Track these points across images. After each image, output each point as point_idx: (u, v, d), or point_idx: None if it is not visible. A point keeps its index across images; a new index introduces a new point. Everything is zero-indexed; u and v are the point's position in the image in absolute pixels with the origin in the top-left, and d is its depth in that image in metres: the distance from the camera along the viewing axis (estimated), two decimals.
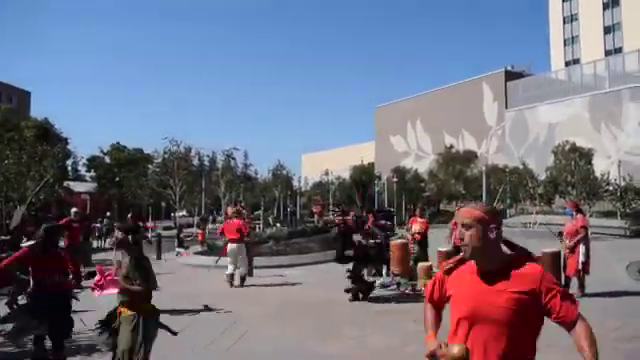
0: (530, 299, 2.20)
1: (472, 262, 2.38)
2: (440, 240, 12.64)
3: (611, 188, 17.29)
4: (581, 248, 9.58)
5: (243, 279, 11.87)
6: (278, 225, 30.42)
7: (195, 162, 32.78)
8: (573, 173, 28.79)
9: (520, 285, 2.22)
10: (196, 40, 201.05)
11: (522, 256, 2.38)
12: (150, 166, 39.53)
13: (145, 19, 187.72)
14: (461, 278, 2.42)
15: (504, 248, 2.42)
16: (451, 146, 54.16)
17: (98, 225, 26.65)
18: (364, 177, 51.10)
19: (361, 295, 9.85)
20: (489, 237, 2.32)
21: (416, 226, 12.96)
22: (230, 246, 11.98)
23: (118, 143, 54.90)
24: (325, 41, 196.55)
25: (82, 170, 56.80)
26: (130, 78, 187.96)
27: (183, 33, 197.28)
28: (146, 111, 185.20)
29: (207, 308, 9.30)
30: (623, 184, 17.26)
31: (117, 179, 41.52)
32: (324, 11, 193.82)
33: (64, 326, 5.64)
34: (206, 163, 34.17)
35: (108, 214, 27.77)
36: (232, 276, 11.82)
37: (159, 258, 18.05)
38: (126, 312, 4.39)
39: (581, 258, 9.54)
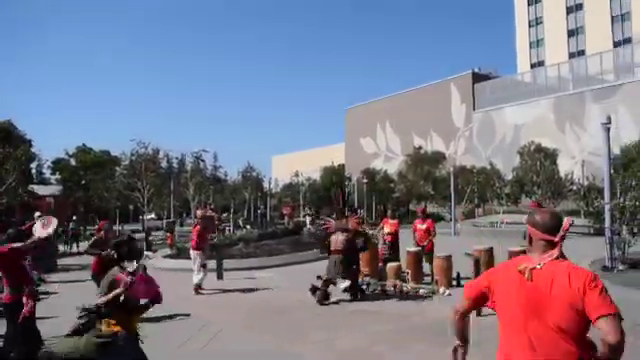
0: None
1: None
2: (409, 241, 12.72)
3: (575, 187, 17.71)
4: None
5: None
6: (248, 227, 30.27)
7: (163, 164, 32.38)
8: (538, 173, 29.39)
9: None
10: (162, 41, 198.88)
11: None
12: (117, 168, 38.90)
13: (108, 20, 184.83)
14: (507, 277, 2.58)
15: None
16: (420, 147, 54.70)
17: (63, 229, 26.10)
18: (343, 185, 51.32)
19: (322, 296, 9.85)
20: None
21: (387, 227, 13.04)
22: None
23: (84, 145, 53.91)
24: (295, 42, 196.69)
25: (47, 173, 55.62)
26: (97, 79, 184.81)
27: (149, 33, 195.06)
28: (113, 113, 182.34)
29: (177, 313, 9.19)
30: (586, 183, 17.71)
31: (83, 182, 40.73)
32: (293, 12, 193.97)
33: (14, 338, 5.43)
34: (175, 165, 33.78)
35: (74, 218, 27.20)
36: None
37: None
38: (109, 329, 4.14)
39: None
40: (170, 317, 8.88)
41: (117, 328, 4.11)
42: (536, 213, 2.59)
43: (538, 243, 2.49)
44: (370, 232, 11.39)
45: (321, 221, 11.38)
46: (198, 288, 11.36)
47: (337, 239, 10.18)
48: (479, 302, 2.63)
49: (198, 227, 12.09)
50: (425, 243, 11.86)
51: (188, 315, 9.08)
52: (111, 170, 40.55)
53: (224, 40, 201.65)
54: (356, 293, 10.13)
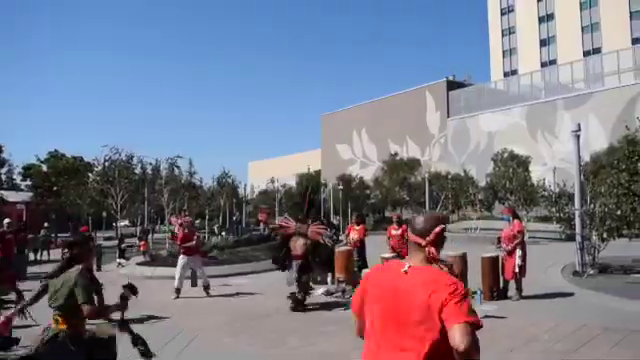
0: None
1: None
2: (384, 246, 12.79)
3: (546, 194, 18.03)
4: (517, 252, 9.95)
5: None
6: (223, 234, 30.11)
7: (137, 170, 32.00)
8: (511, 180, 29.75)
9: None
10: (134, 45, 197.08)
11: None
12: (90, 175, 38.35)
13: (80, 22, 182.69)
14: None
15: None
16: (395, 154, 55.00)
17: (33, 236, 25.56)
18: (310, 184, 51.30)
19: (296, 302, 9.79)
20: None
21: (354, 234, 13.10)
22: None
23: (56, 151, 53.05)
24: (270, 48, 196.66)
25: (17, 179, 54.55)
26: (68, 84, 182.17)
27: (120, 38, 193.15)
28: (85, 118, 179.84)
29: (151, 318, 9.09)
30: (557, 190, 18.04)
31: (55, 188, 40.02)
32: (268, 17, 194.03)
33: None
34: (149, 171, 33.38)
35: (46, 225, 26.69)
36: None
37: (99, 269, 17.53)
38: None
39: (518, 262, 9.90)
40: (145, 324, 8.78)
41: (63, 327, 3.96)
42: (416, 217, 2.60)
43: (410, 245, 2.52)
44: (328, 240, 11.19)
45: (280, 221, 11.21)
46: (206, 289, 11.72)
47: (296, 244, 9.98)
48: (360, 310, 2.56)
49: (185, 232, 12.09)
50: (400, 248, 11.95)
51: (162, 322, 9.00)
52: (84, 176, 39.98)
53: (198, 46, 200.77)
54: (299, 302, 9.82)
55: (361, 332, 2.58)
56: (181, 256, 11.92)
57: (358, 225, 13.46)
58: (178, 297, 11.46)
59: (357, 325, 2.64)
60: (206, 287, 11.76)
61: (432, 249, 2.42)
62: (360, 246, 12.95)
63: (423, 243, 2.43)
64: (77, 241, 4.38)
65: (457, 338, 2.09)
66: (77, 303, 3.89)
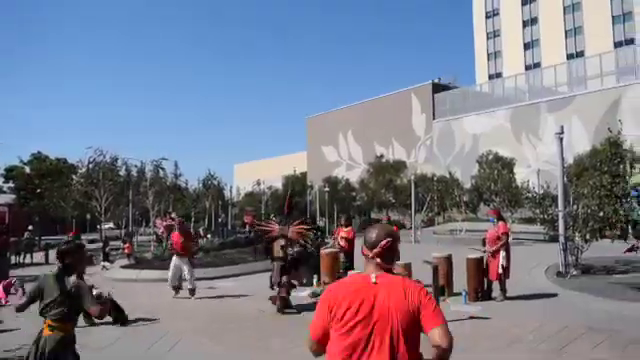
0: None
1: None
2: None
3: (530, 195, 18.16)
4: (502, 253, 10.02)
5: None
6: (209, 236, 29.96)
7: (122, 172, 31.68)
8: (496, 181, 29.97)
9: None
10: (119, 47, 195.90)
11: None
12: (74, 177, 37.98)
13: (61, 22, 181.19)
14: None
15: None
16: (381, 156, 55.19)
17: (16, 239, 25.21)
18: (292, 188, 51.32)
19: (282, 303, 9.77)
20: None
21: (342, 235, 13.10)
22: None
23: (39, 153, 52.52)
24: (256, 50, 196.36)
25: None
26: (52, 85, 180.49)
27: (105, 41, 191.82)
28: (71, 121, 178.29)
29: (135, 321, 9.01)
30: (541, 192, 18.18)
31: (38, 190, 39.57)
32: (253, 19, 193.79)
33: None
34: (134, 173, 33.09)
35: (30, 227, 26.33)
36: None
37: (83, 272, 17.34)
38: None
39: (502, 263, 9.97)
40: (129, 327, 8.72)
41: (60, 333, 4.05)
42: (369, 230, 2.69)
43: (364, 257, 2.63)
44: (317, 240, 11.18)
45: (263, 224, 11.17)
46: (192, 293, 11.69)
47: (277, 246, 10.03)
48: (327, 338, 2.52)
49: (178, 233, 12.12)
50: None
51: (146, 325, 8.94)
52: (68, 178, 39.57)
53: (183, 48, 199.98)
54: (284, 304, 9.84)
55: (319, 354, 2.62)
56: (174, 257, 12.02)
57: (347, 227, 13.45)
58: (177, 295, 11.77)
59: (316, 349, 2.61)
60: (192, 290, 11.69)
61: (378, 260, 2.55)
62: (349, 248, 12.94)
63: (370, 255, 2.57)
64: (69, 250, 4.35)
65: (438, 338, 2.33)
66: (72, 310, 4.09)
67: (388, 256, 2.57)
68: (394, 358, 2.33)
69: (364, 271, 2.58)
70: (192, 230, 12.66)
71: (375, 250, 2.55)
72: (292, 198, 11.02)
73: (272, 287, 10.04)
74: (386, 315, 2.36)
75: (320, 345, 2.56)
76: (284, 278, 9.91)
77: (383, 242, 2.55)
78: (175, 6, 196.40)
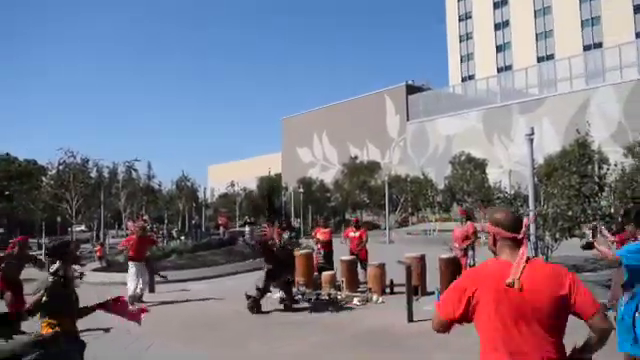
0: None
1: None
2: (343, 249, 12.84)
3: (502, 195, 18.43)
4: (469, 252, 10.21)
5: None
6: (182, 238, 29.65)
7: (93, 174, 31.12)
8: (469, 182, 30.34)
9: None
10: (90, 49, 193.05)
11: None
12: (44, 178, 37.22)
13: (34, 20, 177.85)
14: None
15: None
16: (356, 157, 55.41)
17: None
18: (269, 191, 51.22)
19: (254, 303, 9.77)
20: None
21: (320, 236, 13.11)
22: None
23: (7, 154, 51.38)
24: (230, 51, 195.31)
25: None
26: (28, 87, 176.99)
27: (75, 41, 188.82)
28: (39, 122, 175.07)
29: (106, 330, 8.84)
30: (512, 192, 18.48)
31: (7, 193, 38.65)
32: (227, 20, 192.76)
33: None
34: (105, 175, 32.52)
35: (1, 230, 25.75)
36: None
37: None
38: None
39: (469, 261, 10.14)
40: (100, 331, 8.57)
41: (57, 329, 4.07)
42: (496, 213, 2.65)
43: (504, 242, 2.54)
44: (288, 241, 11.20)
45: (259, 229, 11.28)
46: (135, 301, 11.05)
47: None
48: (464, 319, 2.51)
49: (134, 237, 11.76)
50: (358, 250, 12.06)
51: (119, 329, 8.77)
52: (37, 180, 38.75)
53: (157, 50, 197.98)
54: (290, 304, 10.06)
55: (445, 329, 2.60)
56: (130, 263, 11.42)
57: (325, 228, 13.49)
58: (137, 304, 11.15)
59: (445, 326, 2.59)
60: (139, 296, 11.12)
61: (526, 241, 2.54)
62: (327, 248, 12.97)
63: (520, 236, 2.52)
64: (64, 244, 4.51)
65: (601, 323, 2.39)
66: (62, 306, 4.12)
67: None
68: (540, 343, 2.34)
69: (502, 256, 2.53)
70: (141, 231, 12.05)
71: (523, 230, 2.52)
72: (272, 201, 11.12)
73: (264, 289, 9.95)
74: (531, 301, 2.34)
75: (449, 325, 2.56)
76: (286, 278, 9.99)
77: (526, 222, 2.55)
78: (143, 5, 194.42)
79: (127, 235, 26.10)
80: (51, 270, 4.18)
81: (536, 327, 2.34)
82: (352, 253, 12.12)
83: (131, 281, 11.20)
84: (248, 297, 9.78)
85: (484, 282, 2.46)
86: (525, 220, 2.58)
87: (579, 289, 2.38)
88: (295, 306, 10.22)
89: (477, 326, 2.49)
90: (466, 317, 2.49)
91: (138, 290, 11.14)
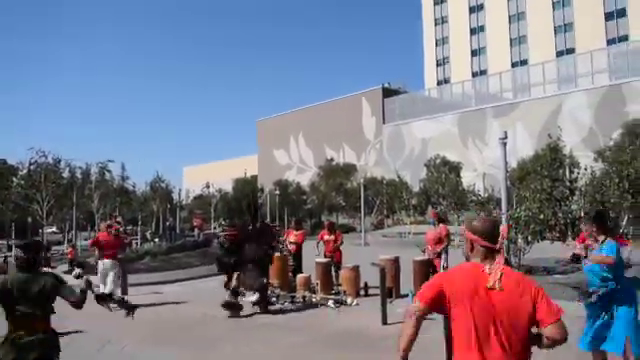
0: None
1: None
2: (320, 251, 12.85)
3: (475, 198, 18.68)
4: (443, 255, 10.30)
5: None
6: (156, 240, 29.37)
7: (65, 174, 30.60)
8: (444, 185, 30.55)
9: None
10: (67, 48, 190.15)
11: None
12: (14, 179, 36.54)
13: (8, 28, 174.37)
14: None
15: None
16: (332, 159, 55.48)
17: None
18: (246, 190, 51.01)
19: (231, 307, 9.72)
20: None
21: (291, 238, 13.10)
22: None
23: None
24: (205, 54, 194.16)
25: None
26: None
27: (52, 39, 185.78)
28: (10, 121, 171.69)
29: (77, 331, 8.70)
30: (486, 195, 18.75)
31: None
32: (200, 23, 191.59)
33: None
34: (78, 176, 32.01)
35: None
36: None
37: None
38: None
39: (443, 263, 10.23)
40: (71, 335, 8.43)
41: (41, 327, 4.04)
42: (476, 221, 2.75)
43: (480, 249, 2.64)
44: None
45: (223, 231, 11.13)
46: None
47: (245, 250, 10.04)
48: (435, 306, 2.62)
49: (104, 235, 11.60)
50: (332, 252, 12.07)
51: (89, 333, 8.67)
52: (7, 180, 38.00)
53: (132, 50, 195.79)
54: (265, 305, 10.02)
55: (421, 313, 2.65)
56: (104, 261, 11.26)
57: (297, 230, 13.47)
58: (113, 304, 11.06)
59: (421, 308, 2.65)
60: (108, 295, 10.70)
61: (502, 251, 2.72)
62: (297, 250, 12.96)
63: (497, 247, 2.65)
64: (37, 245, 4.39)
65: (556, 333, 2.48)
66: (49, 304, 4.09)
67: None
68: (506, 350, 2.44)
69: (476, 260, 2.64)
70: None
71: (500, 241, 2.64)
72: (256, 202, 11.09)
73: (237, 291, 9.90)
74: (502, 306, 2.46)
75: (425, 306, 2.62)
76: (261, 279, 9.91)
77: (504, 231, 2.67)
78: (116, 6, 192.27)
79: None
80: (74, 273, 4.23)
81: (508, 329, 2.45)
82: (326, 256, 12.14)
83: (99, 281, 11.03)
84: (225, 304, 9.73)
85: (460, 283, 2.57)
86: (503, 229, 2.67)
87: (544, 298, 2.52)
88: (270, 308, 10.20)
89: (452, 326, 2.59)
90: (439, 307, 2.60)
91: (106, 290, 10.93)
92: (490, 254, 2.61)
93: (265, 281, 10.18)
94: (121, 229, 14.32)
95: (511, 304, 2.47)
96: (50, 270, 18.33)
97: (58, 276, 4.31)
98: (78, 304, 4.18)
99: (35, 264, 4.18)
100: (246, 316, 9.69)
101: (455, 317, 2.56)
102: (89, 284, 4.45)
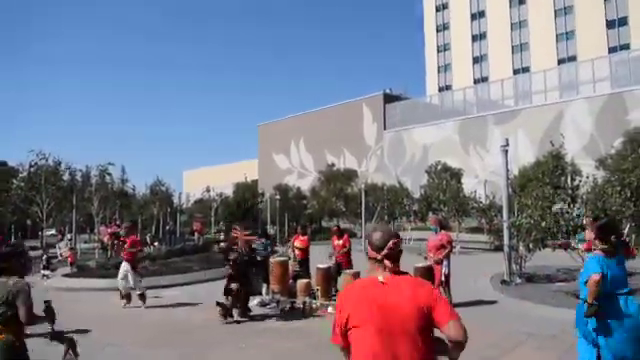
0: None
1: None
2: (321, 257, 12.79)
3: (477, 205, 18.64)
4: (444, 262, 10.22)
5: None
6: (156, 244, 29.29)
7: (66, 177, 30.58)
8: (445, 191, 30.46)
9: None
10: (70, 49, 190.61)
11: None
12: (14, 180, 36.54)
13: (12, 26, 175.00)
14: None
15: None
16: (332, 164, 55.39)
17: None
18: (246, 195, 50.90)
19: (235, 313, 9.66)
20: None
21: (297, 243, 13.04)
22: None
23: None
24: (205, 56, 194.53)
25: None
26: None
27: (54, 39, 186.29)
28: (11, 123, 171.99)
29: (76, 332, 8.63)
30: (487, 202, 18.72)
31: None
32: (202, 28, 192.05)
33: None
34: (78, 178, 32.00)
35: None
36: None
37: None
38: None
39: (444, 270, 10.15)
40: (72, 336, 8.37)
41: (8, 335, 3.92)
42: (372, 232, 2.73)
43: (370, 260, 2.68)
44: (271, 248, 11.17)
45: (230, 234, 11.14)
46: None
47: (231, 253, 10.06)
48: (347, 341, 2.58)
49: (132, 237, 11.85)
50: (336, 259, 12.04)
51: (87, 336, 8.60)
52: (7, 182, 38.00)
53: (133, 56, 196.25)
54: (239, 314, 9.81)
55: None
56: (124, 263, 11.59)
57: (303, 235, 13.43)
58: (128, 304, 11.37)
59: (343, 351, 2.65)
60: (142, 295, 11.46)
61: (387, 261, 2.60)
62: (304, 256, 12.90)
63: (379, 257, 2.61)
64: (8, 254, 4.23)
65: (454, 332, 2.43)
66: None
67: (396, 257, 2.64)
68: (411, 356, 2.40)
69: (370, 273, 2.64)
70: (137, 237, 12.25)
71: (383, 252, 2.59)
72: (247, 205, 11.10)
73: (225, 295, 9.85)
74: (397, 314, 2.42)
75: (344, 348, 2.61)
76: (234, 285, 9.79)
77: (391, 243, 2.61)
78: (116, 17, 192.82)
79: (99, 240, 25.72)
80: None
81: (406, 338, 2.41)
82: (336, 261, 12.15)
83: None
84: (218, 304, 9.68)
85: (354, 300, 2.56)
86: (390, 243, 2.61)
87: (440, 299, 2.51)
88: (270, 313, 10.14)
89: (351, 343, 2.53)
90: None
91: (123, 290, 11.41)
92: (378, 263, 2.61)
93: (243, 287, 10.01)
94: (121, 232, 14.35)
95: (404, 312, 2.43)
96: (49, 272, 18.26)
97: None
98: (27, 320, 4.00)
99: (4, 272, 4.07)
100: (244, 321, 9.62)
101: (352, 335, 2.53)
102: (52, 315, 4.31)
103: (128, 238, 11.81)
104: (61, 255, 23.08)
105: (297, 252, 12.98)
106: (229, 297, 9.70)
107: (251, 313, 10.08)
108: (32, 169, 28.89)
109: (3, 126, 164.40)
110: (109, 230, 23.23)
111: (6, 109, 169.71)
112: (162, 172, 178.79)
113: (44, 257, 19.55)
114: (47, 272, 18.70)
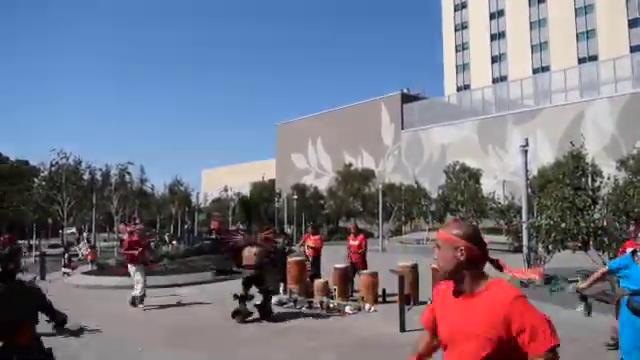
0: (500, 327, 2.16)
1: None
2: (337, 256, 12.79)
3: (495, 206, 18.52)
4: None
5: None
6: (174, 242, 29.54)
7: (86, 176, 31.04)
8: (463, 192, 30.30)
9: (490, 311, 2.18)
10: (88, 53, 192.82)
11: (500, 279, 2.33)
12: (36, 179, 37.09)
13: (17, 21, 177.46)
14: (444, 299, 2.37)
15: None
16: (350, 164, 55.37)
17: None
18: (266, 194, 51.12)
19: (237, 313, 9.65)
20: (458, 258, 2.28)
21: (309, 242, 13.08)
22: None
23: None
24: (228, 58, 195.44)
25: None
26: (13, 87, 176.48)
27: (75, 36, 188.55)
28: (34, 122, 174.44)
29: (96, 331, 8.75)
30: (506, 203, 18.58)
31: None
32: (223, 28, 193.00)
33: None
34: (98, 177, 32.45)
35: None
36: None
37: (43, 279, 16.92)
38: None
39: None
40: (89, 336, 8.48)
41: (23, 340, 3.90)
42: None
43: (485, 262, 2.47)
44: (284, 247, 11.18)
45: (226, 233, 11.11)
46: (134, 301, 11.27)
47: (249, 254, 9.89)
48: (434, 328, 2.41)
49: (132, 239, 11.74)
50: (356, 260, 12.04)
51: (107, 334, 8.70)
52: (29, 181, 38.59)
53: (152, 53, 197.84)
54: (267, 312, 9.78)
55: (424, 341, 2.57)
56: (129, 265, 11.58)
57: (314, 235, 13.45)
58: (142, 305, 11.32)
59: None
60: (141, 297, 11.34)
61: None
62: (315, 256, 12.93)
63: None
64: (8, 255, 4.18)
65: None
66: (32, 316, 3.97)
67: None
68: None
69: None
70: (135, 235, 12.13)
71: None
72: (253, 209, 11.08)
73: (245, 297, 9.83)
74: (471, 326, 2.19)
75: (427, 332, 2.53)
76: (261, 286, 9.82)
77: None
78: (134, 9, 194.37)
79: (119, 239, 26.05)
80: None
81: (467, 345, 2.18)
82: (351, 260, 12.13)
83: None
84: (235, 297, 9.66)
85: (438, 297, 2.41)
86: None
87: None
88: (286, 312, 10.15)
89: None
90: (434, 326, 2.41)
91: (138, 292, 11.34)
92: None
93: (268, 286, 10.01)
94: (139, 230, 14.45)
95: (473, 317, 2.20)
96: (69, 270, 18.53)
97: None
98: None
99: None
100: (261, 320, 9.64)
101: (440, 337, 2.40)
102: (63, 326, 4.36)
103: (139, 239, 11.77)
104: (82, 254, 23.45)
105: (308, 250, 13.03)
106: (240, 299, 9.67)
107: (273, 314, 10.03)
108: (53, 168, 29.32)
109: (25, 125, 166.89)
110: (128, 229, 23.45)
111: (28, 108, 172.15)
112: (181, 171, 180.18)
113: (65, 255, 19.85)
114: (68, 270, 18.99)
